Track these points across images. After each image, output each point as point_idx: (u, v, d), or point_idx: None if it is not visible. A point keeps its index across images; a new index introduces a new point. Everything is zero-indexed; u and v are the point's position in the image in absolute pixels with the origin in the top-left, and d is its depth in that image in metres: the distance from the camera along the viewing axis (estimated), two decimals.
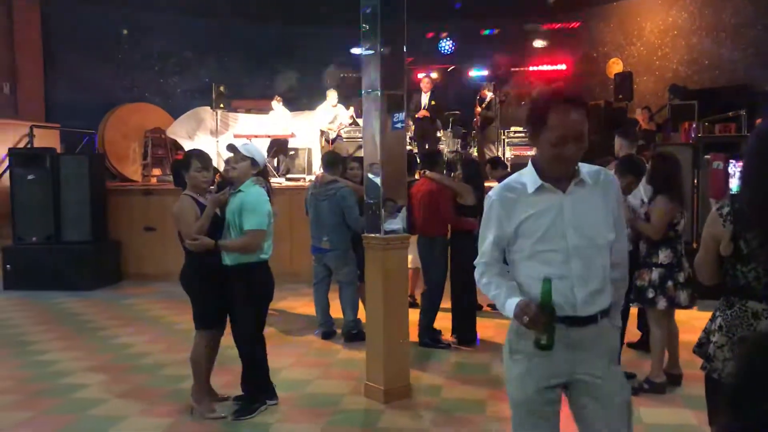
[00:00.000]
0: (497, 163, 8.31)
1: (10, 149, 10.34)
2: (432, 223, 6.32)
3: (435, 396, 5.01)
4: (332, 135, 12.12)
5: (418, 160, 7.36)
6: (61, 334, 7.03)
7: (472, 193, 6.27)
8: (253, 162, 4.57)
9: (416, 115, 11.42)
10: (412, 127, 11.53)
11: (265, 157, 4.77)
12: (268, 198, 4.59)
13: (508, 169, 7.01)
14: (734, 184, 7.42)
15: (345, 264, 6.51)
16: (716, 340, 2.53)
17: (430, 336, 6.32)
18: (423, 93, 11.42)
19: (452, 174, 8.46)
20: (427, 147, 10.79)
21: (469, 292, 6.30)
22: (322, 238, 6.52)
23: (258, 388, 4.73)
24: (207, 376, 4.73)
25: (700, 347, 2.63)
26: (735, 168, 7.37)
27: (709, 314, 2.72)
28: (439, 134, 11.66)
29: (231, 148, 4.65)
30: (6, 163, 10.22)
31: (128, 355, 6.20)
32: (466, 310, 6.42)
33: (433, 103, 11.36)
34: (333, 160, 6.93)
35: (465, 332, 6.38)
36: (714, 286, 2.65)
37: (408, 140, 11.63)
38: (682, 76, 12.66)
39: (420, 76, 12.63)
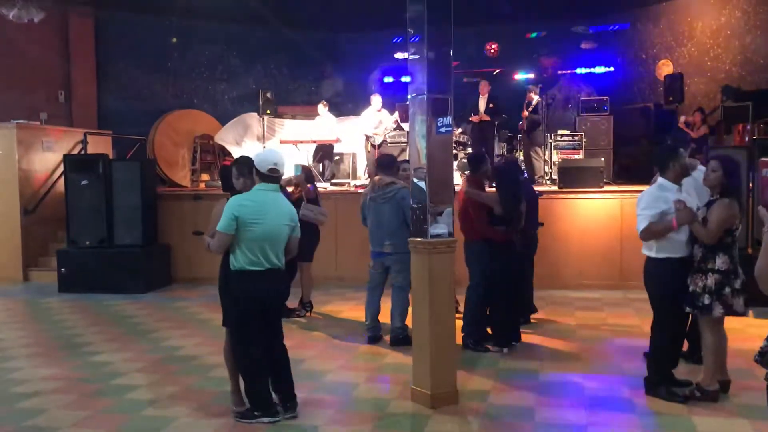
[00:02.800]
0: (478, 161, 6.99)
1: (64, 155, 10.65)
2: (466, 227, 6.34)
3: (482, 401, 4.96)
4: (378, 140, 12.15)
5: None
6: (114, 335, 7.20)
7: (499, 204, 6.18)
8: (256, 171, 4.54)
9: (472, 119, 11.36)
10: (458, 131, 11.48)
11: (271, 160, 4.53)
12: (250, 203, 4.47)
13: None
14: None
15: (405, 268, 6.39)
16: None
17: (472, 339, 6.31)
18: (480, 96, 11.34)
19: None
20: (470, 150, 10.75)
21: (503, 299, 6.27)
22: (384, 243, 6.49)
23: (251, 400, 4.64)
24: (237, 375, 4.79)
25: (762, 356, 2.55)
26: None
27: (765, 321, 2.63)
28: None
29: (235, 162, 4.83)
30: (61, 168, 10.51)
31: (178, 357, 6.31)
32: (503, 313, 6.35)
33: (491, 106, 11.28)
34: (389, 161, 6.90)
35: (501, 334, 6.33)
36: None
37: (465, 144, 11.62)
38: (736, 77, 12.32)
39: (470, 80, 12.59)
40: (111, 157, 11.45)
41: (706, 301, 4.66)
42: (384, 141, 12.15)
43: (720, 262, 4.65)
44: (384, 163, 6.88)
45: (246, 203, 4.47)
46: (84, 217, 9.84)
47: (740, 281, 4.69)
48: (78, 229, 9.88)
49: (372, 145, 12.19)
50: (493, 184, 6.62)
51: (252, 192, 4.56)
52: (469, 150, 11.62)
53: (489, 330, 6.45)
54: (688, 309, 4.78)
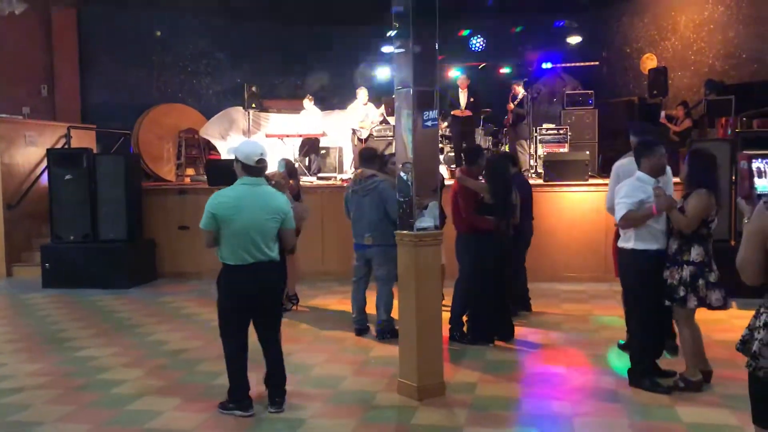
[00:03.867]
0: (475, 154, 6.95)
1: (48, 150, 10.55)
2: (456, 218, 6.39)
3: (469, 393, 4.98)
4: (364, 134, 12.14)
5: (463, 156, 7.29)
6: (99, 330, 7.16)
7: (488, 192, 6.21)
8: (242, 164, 4.48)
9: (454, 113, 11.36)
10: (444, 125, 11.50)
11: (258, 152, 4.47)
12: (226, 199, 4.45)
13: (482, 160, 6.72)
14: (759, 182, 7.46)
15: (386, 261, 6.41)
16: (762, 337, 2.48)
17: (459, 330, 6.34)
18: (461, 90, 11.34)
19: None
20: (464, 145, 10.75)
21: (491, 291, 6.25)
22: (365, 235, 6.51)
23: (228, 392, 4.69)
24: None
25: (744, 344, 2.58)
26: (763, 166, 7.46)
27: (748, 312, 2.67)
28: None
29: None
30: (45, 163, 10.42)
31: (164, 352, 6.29)
32: (490, 309, 6.34)
33: (472, 100, 11.28)
34: (370, 155, 6.93)
35: (482, 330, 6.31)
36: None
37: (451, 138, 11.63)
38: (719, 71, 12.42)
39: (450, 74, 12.58)
40: (95, 151, 11.38)
41: (681, 293, 4.71)
42: (370, 135, 12.15)
43: (695, 254, 4.70)
44: (365, 156, 6.91)
45: (223, 199, 4.46)
46: (68, 211, 9.78)
47: (715, 275, 4.73)
48: (62, 224, 9.82)
49: (359, 138, 12.19)
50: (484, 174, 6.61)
51: (232, 186, 4.53)
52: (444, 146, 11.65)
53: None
54: (667, 302, 4.82)
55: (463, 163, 6.74)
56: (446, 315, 6.01)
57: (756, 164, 7.64)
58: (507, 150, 11.95)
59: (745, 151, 7.70)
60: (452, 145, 11.75)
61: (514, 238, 6.61)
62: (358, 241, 6.63)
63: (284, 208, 4.58)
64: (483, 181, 6.39)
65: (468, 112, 11.26)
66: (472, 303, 6.38)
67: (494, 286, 6.25)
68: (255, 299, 4.52)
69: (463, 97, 11.31)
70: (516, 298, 7.24)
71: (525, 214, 7.14)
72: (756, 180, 7.61)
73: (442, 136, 11.42)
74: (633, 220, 4.80)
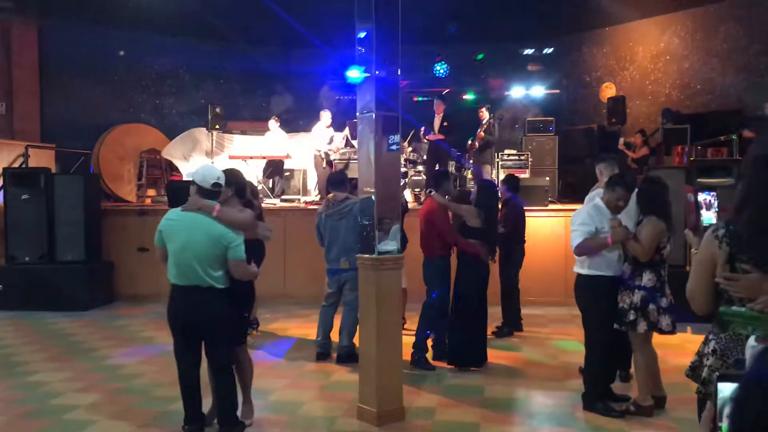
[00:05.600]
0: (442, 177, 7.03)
1: (4, 168, 10.31)
2: (429, 242, 6.35)
3: (428, 419, 4.98)
4: (333, 156, 12.15)
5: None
6: (52, 354, 6.98)
7: (477, 216, 6.24)
8: (198, 187, 4.43)
9: (428, 137, 11.43)
10: (408, 149, 11.58)
11: (215, 175, 4.43)
12: (171, 219, 4.44)
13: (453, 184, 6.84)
14: (705, 214, 7.71)
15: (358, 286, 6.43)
16: (710, 364, 2.54)
17: (420, 355, 6.31)
18: (436, 115, 11.44)
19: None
20: (436, 168, 10.85)
21: (473, 317, 6.26)
22: (340, 259, 6.48)
23: None
24: None
25: (693, 371, 2.63)
26: (709, 199, 7.73)
27: (702, 337, 2.72)
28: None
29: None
30: (0, 182, 10.19)
31: (120, 376, 6.16)
32: (470, 334, 6.33)
33: (445, 124, 11.38)
34: (341, 179, 6.94)
35: (465, 355, 6.31)
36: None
37: (415, 162, 11.70)
38: (675, 101, 12.77)
39: (417, 99, 12.69)
40: (54, 171, 11.16)
41: (632, 317, 4.79)
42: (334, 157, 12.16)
43: (646, 279, 4.79)
44: (336, 180, 6.91)
45: (171, 216, 4.46)
46: (24, 232, 9.55)
47: (667, 300, 4.82)
48: (17, 244, 9.58)
49: (327, 162, 12.16)
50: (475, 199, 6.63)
51: (178, 209, 4.48)
52: (420, 168, 11.73)
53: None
54: (616, 326, 4.89)
55: (431, 186, 6.80)
56: (409, 339, 6.01)
57: (702, 197, 7.88)
58: (466, 175, 12.08)
59: (696, 181, 7.94)
60: (421, 169, 11.84)
61: (505, 260, 6.70)
62: (332, 266, 6.59)
63: (226, 236, 4.33)
64: (468, 206, 6.44)
65: (441, 136, 11.37)
66: (441, 327, 6.39)
67: (473, 312, 6.26)
68: (188, 323, 4.39)
69: (437, 122, 11.43)
70: (509, 320, 7.38)
71: (518, 237, 7.37)
72: (703, 212, 7.84)
73: (406, 160, 11.48)
74: (587, 249, 4.87)
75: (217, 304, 4.38)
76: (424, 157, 11.83)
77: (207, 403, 4.82)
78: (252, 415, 4.86)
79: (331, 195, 6.76)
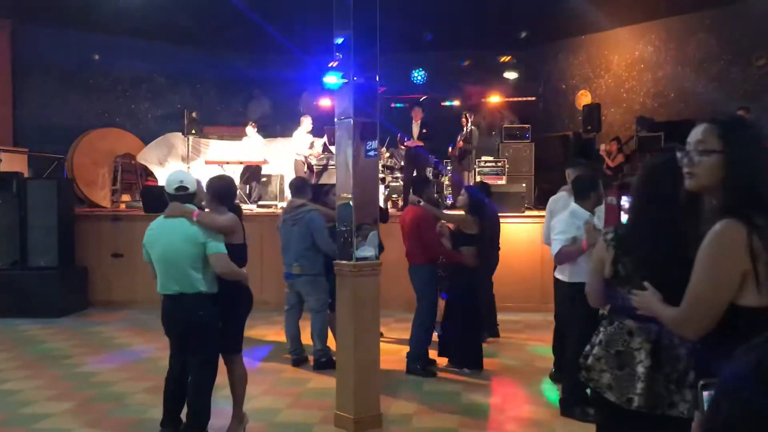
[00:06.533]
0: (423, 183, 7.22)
1: None
2: (416, 250, 6.37)
3: (406, 425, 4.97)
4: (313, 161, 12.13)
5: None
6: (24, 362, 6.86)
7: (473, 223, 6.33)
8: (166, 194, 4.48)
9: (406, 144, 11.45)
10: (386, 155, 11.60)
11: (177, 179, 4.47)
12: (151, 229, 4.46)
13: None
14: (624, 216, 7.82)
15: (315, 290, 6.48)
16: (596, 352, 2.72)
17: (420, 364, 6.30)
18: (414, 122, 11.46)
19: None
20: (414, 175, 10.89)
21: (467, 321, 6.31)
22: (293, 264, 6.50)
23: None
24: None
25: (585, 359, 2.77)
26: (627, 202, 7.84)
27: None
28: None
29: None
30: None
31: (93, 384, 6.07)
32: (465, 335, 6.39)
33: (424, 131, 11.40)
34: (301, 184, 6.96)
35: (460, 355, 6.39)
36: None
37: (392, 168, 11.72)
38: (649, 109, 12.95)
39: (395, 105, 12.73)
40: (26, 175, 11.01)
41: None
42: (323, 164, 12.16)
43: None
44: (297, 185, 6.94)
45: (150, 229, 4.47)
46: None
47: None
48: None
49: (308, 166, 12.14)
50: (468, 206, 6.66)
51: (159, 217, 4.49)
52: (398, 174, 11.75)
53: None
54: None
55: (411, 193, 6.82)
56: (387, 347, 6.01)
57: (625, 200, 7.95)
58: (443, 181, 12.12)
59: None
60: (399, 176, 11.85)
61: (482, 266, 6.75)
62: (287, 270, 6.62)
63: (202, 234, 4.34)
64: (460, 213, 6.50)
65: (419, 143, 11.40)
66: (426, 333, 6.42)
67: (467, 316, 6.30)
68: (179, 330, 4.41)
69: (415, 128, 11.45)
70: (486, 325, 7.42)
71: (493, 243, 7.42)
72: (623, 215, 7.92)
73: (384, 166, 11.50)
74: (566, 256, 4.93)
75: (204, 309, 4.37)
76: (402, 163, 11.87)
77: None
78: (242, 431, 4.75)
79: (290, 200, 6.81)
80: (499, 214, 9.44)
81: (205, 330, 4.39)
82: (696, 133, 2.20)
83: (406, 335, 6.58)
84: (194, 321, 4.36)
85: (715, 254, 2.05)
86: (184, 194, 4.42)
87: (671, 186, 2.40)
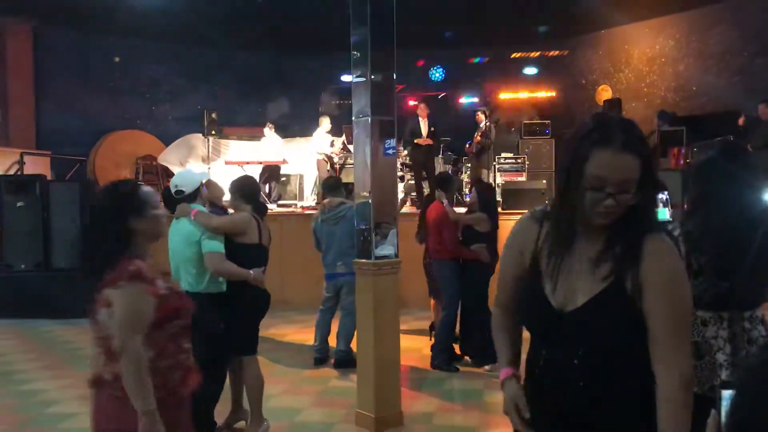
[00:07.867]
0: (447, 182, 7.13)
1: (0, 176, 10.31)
2: (439, 246, 6.42)
3: (427, 423, 4.95)
4: (336, 159, 12.14)
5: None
6: (49, 362, 6.94)
7: (486, 221, 6.36)
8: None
9: (416, 141, 11.38)
10: (403, 153, 11.56)
11: (173, 183, 4.64)
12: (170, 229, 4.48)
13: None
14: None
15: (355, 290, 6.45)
16: None
17: (445, 358, 6.34)
18: (421, 119, 11.36)
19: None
20: (424, 174, 10.87)
21: (478, 316, 6.30)
22: (337, 263, 6.48)
23: None
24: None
25: None
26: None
27: None
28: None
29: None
30: None
31: None
32: (486, 336, 6.37)
33: (432, 129, 11.32)
34: (335, 183, 6.95)
35: (478, 351, 6.40)
36: None
37: (405, 166, 11.69)
38: (671, 103, 12.80)
39: (411, 103, 12.69)
40: (49, 178, 11.14)
41: None
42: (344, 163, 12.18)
43: None
44: (331, 185, 6.91)
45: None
46: (19, 239, 9.52)
47: None
48: (13, 252, 9.55)
49: (331, 165, 12.16)
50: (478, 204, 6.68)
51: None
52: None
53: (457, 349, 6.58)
54: None
55: (437, 190, 6.81)
56: (407, 344, 5.99)
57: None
58: (462, 178, 12.08)
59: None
60: (412, 173, 11.80)
61: (493, 263, 6.74)
62: (329, 271, 6.58)
63: (197, 232, 4.37)
64: (474, 213, 6.53)
65: (429, 141, 11.33)
66: (450, 328, 6.44)
67: (480, 312, 6.30)
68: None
69: (424, 126, 11.36)
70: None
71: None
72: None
73: (402, 164, 11.47)
74: None
75: (201, 309, 4.33)
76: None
77: (226, 411, 4.84)
78: None
79: (326, 200, 6.76)
80: (513, 212, 9.49)
81: (200, 331, 4.37)
82: None
83: (426, 333, 6.56)
84: (195, 320, 4.35)
85: None
86: (183, 196, 4.50)
87: (728, 185, 2.51)
